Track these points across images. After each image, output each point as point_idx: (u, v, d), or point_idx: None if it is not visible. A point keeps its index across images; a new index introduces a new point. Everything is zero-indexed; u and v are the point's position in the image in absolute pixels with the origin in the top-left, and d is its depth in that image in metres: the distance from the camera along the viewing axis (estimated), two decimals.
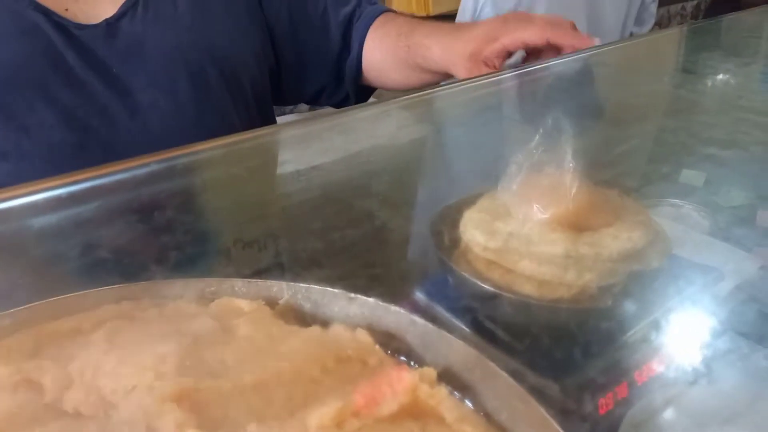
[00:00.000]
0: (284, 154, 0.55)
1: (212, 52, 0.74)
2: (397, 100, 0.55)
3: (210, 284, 0.39)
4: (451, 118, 0.69)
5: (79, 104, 0.67)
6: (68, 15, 0.67)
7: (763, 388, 0.39)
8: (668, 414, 0.38)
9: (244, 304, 0.36)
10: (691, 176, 0.67)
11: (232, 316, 0.35)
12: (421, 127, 0.66)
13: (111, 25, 0.69)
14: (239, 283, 0.38)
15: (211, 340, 0.33)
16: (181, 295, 0.38)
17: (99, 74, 0.67)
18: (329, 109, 0.96)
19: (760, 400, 0.39)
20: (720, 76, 0.88)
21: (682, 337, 0.47)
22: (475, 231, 0.46)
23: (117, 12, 0.69)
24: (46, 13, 0.66)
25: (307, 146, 0.53)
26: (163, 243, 0.41)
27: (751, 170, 0.64)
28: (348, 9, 0.84)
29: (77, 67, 0.66)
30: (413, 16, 0.91)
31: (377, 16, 0.84)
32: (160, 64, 0.70)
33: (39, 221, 0.39)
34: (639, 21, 1.65)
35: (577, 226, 0.47)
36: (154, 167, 0.40)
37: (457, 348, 0.33)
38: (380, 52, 0.83)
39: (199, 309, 0.37)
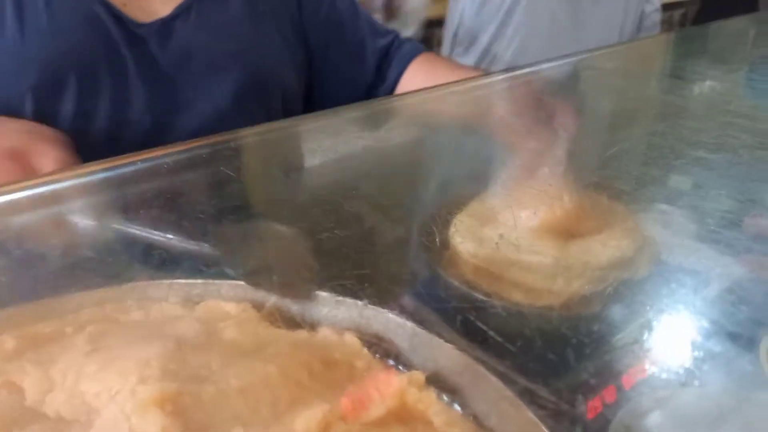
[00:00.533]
0: (272, 155, 0.54)
1: (258, 64, 0.76)
2: (388, 100, 0.55)
3: (196, 287, 0.38)
4: (442, 121, 0.69)
5: (124, 97, 0.68)
6: (126, 10, 0.69)
7: (749, 392, 0.39)
8: (656, 417, 0.38)
9: (230, 307, 0.36)
10: (678, 181, 0.67)
11: (218, 319, 0.35)
12: (411, 129, 0.65)
13: (165, 24, 0.71)
14: (226, 286, 0.38)
15: (197, 343, 0.33)
16: (166, 298, 0.38)
17: (147, 70, 0.69)
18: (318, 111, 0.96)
19: (745, 403, 0.39)
20: (707, 82, 0.89)
21: (670, 341, 0.47)
22: (463, 237, 0.46)
23: (171, 13, 0.71)
24: (107, 5, 0.68)
25: (296, 147, 0.52)
26: (148, 243, 0.40)
27: (737, 175, 0.65)
28: (385, 41, 0.88)
29: (129, 60, 0.68)
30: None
31: (418, 53, 0.87)
32: (205, 68, 0.72)
33: (19, 220, 0.38)
34: (642, 29, 1.63)
35: (565, 232, 0.47)
36: (140, 165, 0.40)
37: (445, 352, 0.33)
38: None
39: (184, 311, 0.36)
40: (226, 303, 0.36)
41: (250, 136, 0.51)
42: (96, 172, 0.41)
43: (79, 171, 0.39)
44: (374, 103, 0.62)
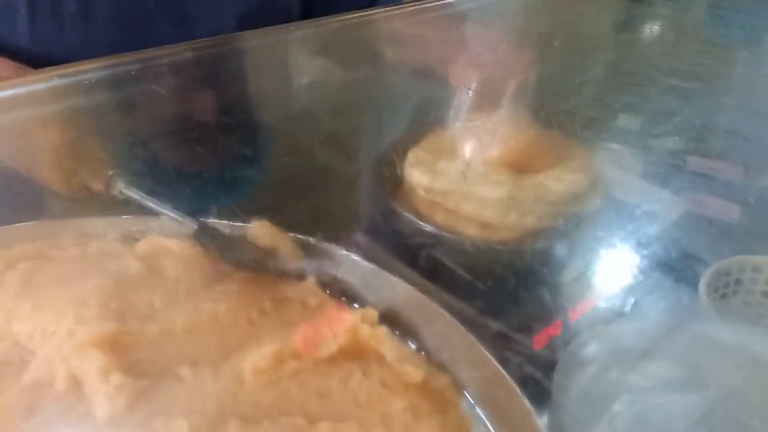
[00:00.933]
0: (221, 75, 0.50)
1: None
2: (335, 19, 0.51)
3: (136, 222, 0.36)
4: (397, 48, 0.66)
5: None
6: None
7: (688, 322, 0.41)
8: (600, 348, 0.40)
9: (173, 244, 0.34)
10: (627, 121, 0.68)
11: (161, 257, 0.33)
12: (370, 55, 0.62)
13: None
14: (167, 222, 0.36)
15: (138, 281, 0.31)
16: (105, 234, 0.36)
17: None
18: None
19: (684, 332, 0.41)
20: (657, 20, 0.89)
21: (615, 275, 0.48)
22: (418, 171, 0.45)
23: None
24: None
25: (246, 65, 0.48)
26: (84, 173, 0.38)
27: (684, 115, 0.66)
28: None
29: None
30: None
31: None
32: None
33: None
34: None
35: (519, 167, 0.46)
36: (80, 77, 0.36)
37: (398, 289, 0.32)
38: None
39: (124, 249, 0.34)
40: (169, 239, 0.34)
41: (187, 51, 0.47)
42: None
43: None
44: (318, 22, 0.58)
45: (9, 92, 0.38)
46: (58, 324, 0.29)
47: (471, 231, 0.43)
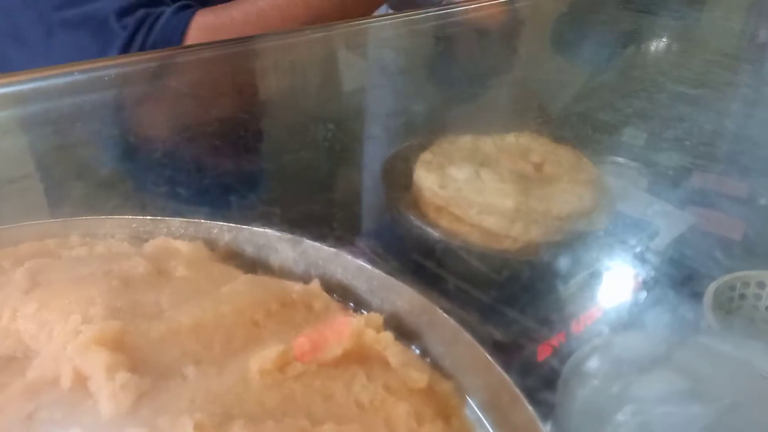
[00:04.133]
0: (228, 76, 0.51)
1: None
2: (349, 24, 0.52)
3: (144, 223, 0.36)
4: (411, 53, 0.67)
5: None
6: None
7: (692, 336, 0.41)
8: (603, 360, 0.40)
9: (181, 245, 0.34)
10: (633, 135, 0.68)
11: (168, 258, 0.33)
12: (376, 58, 0.63)
13: None
14: (176, 223, 0.36)
15: (145, 281, 0.31)
16: (113, 234, 0.36)
17: None
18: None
19: (688, 346, 0.41)
20: (664, 35, 0.89)
21: (618, 288, 0.48)
22: (427, 176, 0.45)
23: None
24: None
25: (244, 77, 0.49)
26: (92, 175, 0.38)
27: (689, 131, 0.66)
28: None
29: None
30: None
31: None
32: None
33: None
34: None
35: (529, 177, 0.46)
36: (78, 77, 0.37)
37: (404, 294, 0.32)
38: None
39: (131, 249, 0.35)
40: (177, 240, 0.34)
41: (204, 50, 0.47)
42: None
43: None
44: (332, 26, 0.59)
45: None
46: (65, 322, 0.29)
47: (476, 238, 0.43)
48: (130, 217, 0.36)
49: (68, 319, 0.29)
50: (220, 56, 0.48)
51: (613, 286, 0.47)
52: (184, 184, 0.39)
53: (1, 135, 0.36)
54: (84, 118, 0.41)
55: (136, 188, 0.36)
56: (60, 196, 0.39)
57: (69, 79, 0.38)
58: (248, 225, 0.36)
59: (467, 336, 0.30)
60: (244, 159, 0.45)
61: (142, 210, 0.36)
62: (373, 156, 0.53)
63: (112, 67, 0.40)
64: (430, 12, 0.63)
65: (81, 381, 0.26)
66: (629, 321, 0.44)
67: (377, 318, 0.30)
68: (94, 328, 0.28)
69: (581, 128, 0.61)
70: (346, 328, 0.29)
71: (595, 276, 0.47)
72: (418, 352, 0.31)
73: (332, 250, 0.34)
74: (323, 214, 0.38)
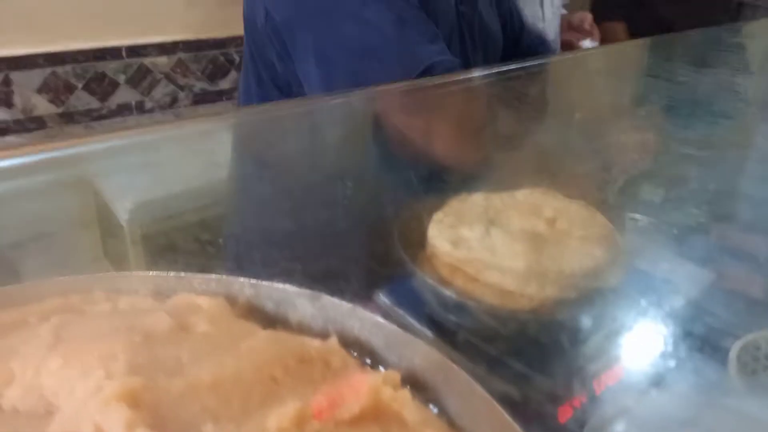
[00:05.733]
0: (242, 144, 0.53)
1: None
2: (359, 92, 0.54)
3: (167, 279, 0.37)
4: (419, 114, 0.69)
5: None
6: None
7: (717, 397, 0.40)
8: (626, 422, 0.39)
9: (203, 301, 0.35)
10: (650, 192, 0.69)
11: (190, 313, 0.34)
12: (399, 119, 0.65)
13: None
14: (198, 279, 0.37)
15: (167, 337, 0.32)
16: (136, 290, 0.37)
17: None
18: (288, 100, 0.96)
19: (713, 408, 0.40)
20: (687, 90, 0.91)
21: (639, 348, 0.47)
22: (440, 237, 0.46)
23: None
24: None
25: (266, 138, 0.51)
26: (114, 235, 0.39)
27: (708, 188, 0.66)
28: None
29: None
30: None
31: None
32: None
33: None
34: None
35: (542, 236, 0.47)
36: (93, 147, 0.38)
37: (421, 351, 0.32)
38: None
39: (155, 305, 0.35)
40: (199, 296, 0.35)
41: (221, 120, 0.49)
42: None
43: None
44: (345, 94, 0.61)
45: None
46: (87, 378, 0.29)
47: (491, 298, 0.43)
48: (153, 273, 0.37)
49: (90, 374, 0.29)
50: (245, 122, 0.50)
51: (634, 345, 0.47)
52: (211, 243, 0.40)
53: (39, 195, 0.38)
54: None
55: (166, 247, 0.37)
56: (81, 253, 0.40)
57: None
58: (267, 280, 0.37)
59: (485, 394, 0.30)
60: (265, 216, 0.47)
61: (173, 265, 0.37)
62: (389, 214, 0.54)
63: None
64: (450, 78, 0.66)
65: None
66: (652, 382, 0.43)
67: (395, 375, 0.30)
68: (115, 384, 0.28)
69: (595, 185, 0.62)
70: (363, 386, 0.29)
71: (614, 335, 0.46)
72: (435, 410, 0.31)
73: (350, 305, 0.35)
74: (339, 271, 0.38)
